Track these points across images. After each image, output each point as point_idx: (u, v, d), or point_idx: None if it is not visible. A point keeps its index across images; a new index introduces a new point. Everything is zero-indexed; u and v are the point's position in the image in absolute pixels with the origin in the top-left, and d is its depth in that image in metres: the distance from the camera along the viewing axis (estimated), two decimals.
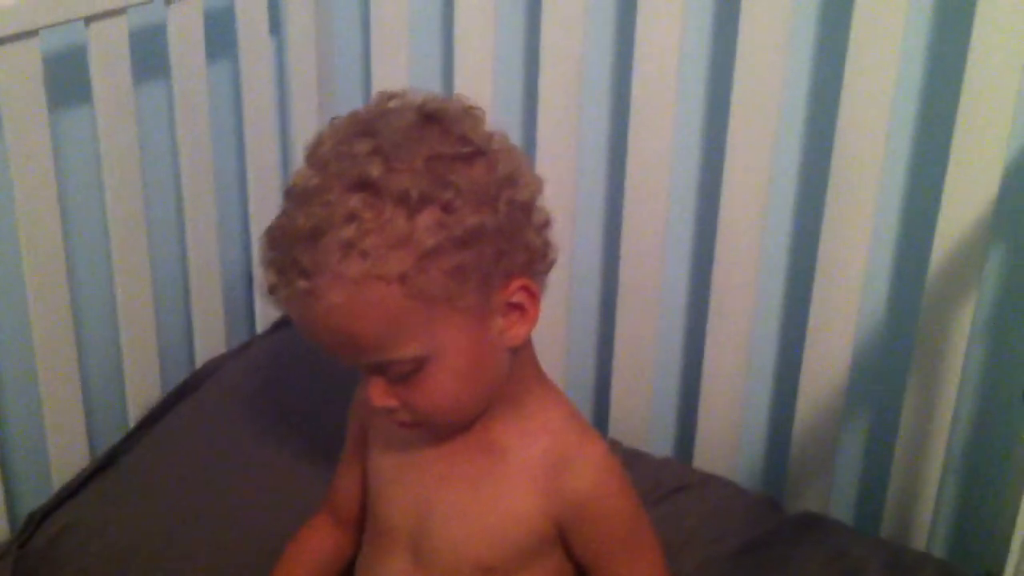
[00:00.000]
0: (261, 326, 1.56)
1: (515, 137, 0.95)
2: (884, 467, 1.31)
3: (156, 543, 1.18)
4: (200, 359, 1.48)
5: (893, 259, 1.34)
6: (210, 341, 1.49)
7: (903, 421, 1.26)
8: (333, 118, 0.90)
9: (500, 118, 1.38)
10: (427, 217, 0.82)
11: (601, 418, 1.48)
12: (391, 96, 0.90)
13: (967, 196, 1.15)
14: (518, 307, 0.89)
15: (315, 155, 0.87)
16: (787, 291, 1.41)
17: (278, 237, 0.86)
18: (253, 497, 1.24)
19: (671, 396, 1.53)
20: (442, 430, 0.95)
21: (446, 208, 0.83)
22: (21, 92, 1.14)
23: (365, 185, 0.82)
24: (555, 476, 0.93)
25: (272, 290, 0.86)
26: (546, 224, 0.91)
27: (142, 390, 1.37)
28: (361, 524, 1.06)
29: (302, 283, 0.83)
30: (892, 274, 1.34)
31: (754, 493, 1.36)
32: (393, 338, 0.84)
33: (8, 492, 1.24)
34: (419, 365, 0.86)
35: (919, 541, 1.28)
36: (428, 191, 0.82)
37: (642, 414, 1.43)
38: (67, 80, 1.27)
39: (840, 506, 1.43)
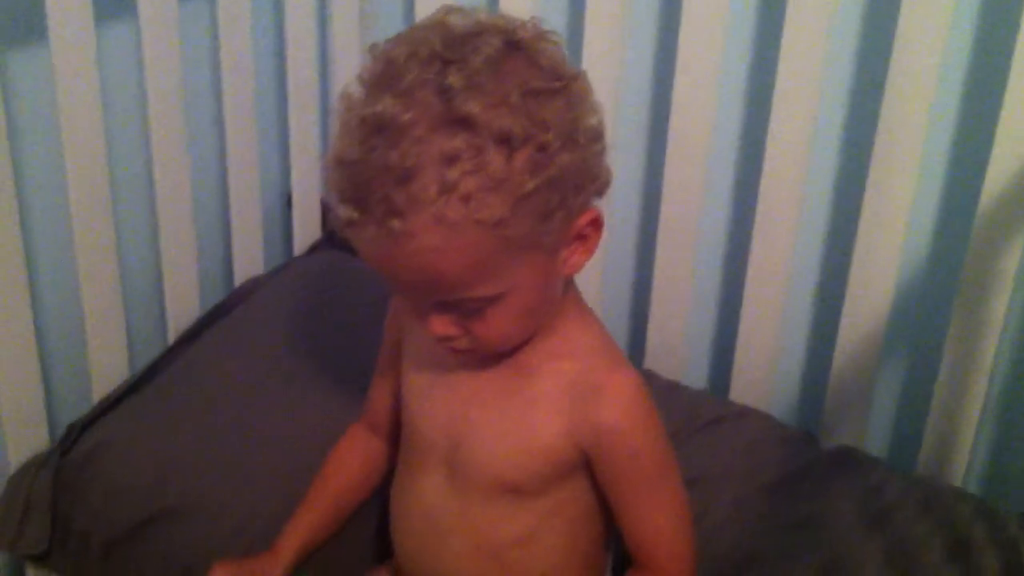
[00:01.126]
0: (299, 248, 1.56)
1: None
2: (922, 404, 1.30)
3: (187, 462, 1.19)
4: (238, 279, 1.49)
5: (940, 197, 1.32)
6: (248, 262, 1.49)
7: (944, 359, 1.25)
8: (400, 33, 0.85)
9: None
10: (523, 158, 0.79)
11: (637, 349, 1.48)
12: (451, 9, 0.85)
13: (1018, 136, 1.13)
14: (581, 236, 0.88)
15: (395, 82, 0.81)
16: (830, 224, 1.40)
17: (361, 171, 0.80)
18: (287, 417, 1.24)
19: (708, 328, 1.52)
20: (496, 354, 0.94)
21: (541, 148, 0.80)
22: (67, 5, 1.13)
23: (463, 122, 0.79)
24: (583, 403, 0.92)
25: (350, 224, 0.82)
26: (605, 150, 0.88)
27: (181, 308, 1.38)
28: (396, 437, 1.06)
29: (395, 223, 0.79)
30: (938, 212, 1.33)
31: (790, 427, 1.36)
32: (475, 278, 0.83)
33: (49, 404, 1.26)
34: (492, 301, 0.85)
35: (955, 479, 1.28)
36: (526, 130, 0.79)
37: (679, 346, 1.42)
38: None
39: (876, 442, 1.43)
